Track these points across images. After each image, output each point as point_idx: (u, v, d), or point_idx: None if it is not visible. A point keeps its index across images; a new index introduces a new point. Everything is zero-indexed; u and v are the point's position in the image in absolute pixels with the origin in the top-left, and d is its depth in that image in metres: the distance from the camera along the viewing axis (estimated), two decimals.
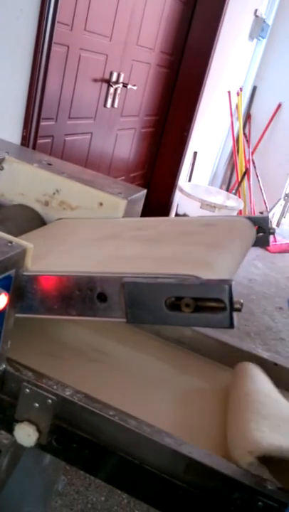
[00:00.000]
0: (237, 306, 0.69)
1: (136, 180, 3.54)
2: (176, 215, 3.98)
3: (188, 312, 0.72)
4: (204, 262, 0.80)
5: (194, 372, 1.06)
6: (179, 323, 0.75)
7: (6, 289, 0.76)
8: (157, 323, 0.78)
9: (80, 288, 0.79)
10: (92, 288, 0.79)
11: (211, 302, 0.71)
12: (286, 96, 4.86)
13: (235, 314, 0.70)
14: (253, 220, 1.08)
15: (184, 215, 3.86)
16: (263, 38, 4.53)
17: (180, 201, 3.90)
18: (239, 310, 0.69)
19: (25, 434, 0.81)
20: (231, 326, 0.70)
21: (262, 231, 1.10)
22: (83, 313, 0.81)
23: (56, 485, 1.45)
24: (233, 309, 0.69)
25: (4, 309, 0.76)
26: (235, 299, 0.69)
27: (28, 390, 0.81)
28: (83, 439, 0.81)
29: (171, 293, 0.73)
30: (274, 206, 4.92)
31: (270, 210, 4.87)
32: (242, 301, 0.69)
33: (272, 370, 1.02)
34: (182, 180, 4.02)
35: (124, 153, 3.26)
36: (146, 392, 0.96)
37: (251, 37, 4.31)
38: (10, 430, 0.83)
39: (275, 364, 1.03)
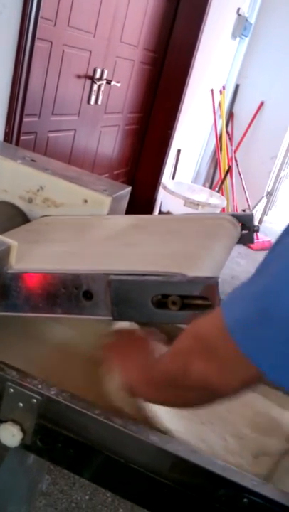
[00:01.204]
0: None
1: (119, 178, 3.52)
2: (160, 212, 3.98)
3: (174, 310, 0.72)
4: (190, 260, 0.80)
5: None
6: (165, 320, 0.75)
7: None
8: (144, 320, 0.78)
9: (66, 286, 0.79)
10: (78, 286, 0.78)
11: (198, 300, 0.71)
12: (268, 94, 4.88)
13: None
14: (238, 218, 1.08)
15: (168, 212, 3.86)
16: (246, 36, 4.55)
17: (164, 199, 3.90)
18: None
19: (10, 434, 0.80)
20: None
21: (246, 228, 1.10)
22: (69, 311, 0.80)
23: (40, 484, 1.44)
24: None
25: None
26: (221, 296, 0.69)
27: (12, 390, 0.80)
28: (68, 439, 0.80)
29: (157, 291, 0.73)
30: (257, 204, 4.95)
31: (253, 207, 4.90)
32: None
33: None
34: (166, 177, 4.02)
35: (108, 151, 3.24)
36: None
37: (234, 35, 4.32)
38: None
39: None
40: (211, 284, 0.69)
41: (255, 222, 1.12)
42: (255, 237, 1.11)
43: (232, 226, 1.04)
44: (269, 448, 0.86)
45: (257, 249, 4.50)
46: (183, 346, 0.66)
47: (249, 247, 4.47)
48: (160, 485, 0.75)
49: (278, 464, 0.84)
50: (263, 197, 5.08)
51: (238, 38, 4.47)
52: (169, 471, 0.75)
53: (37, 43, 1.91)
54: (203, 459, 0.73)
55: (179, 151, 4.11)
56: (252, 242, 1.10)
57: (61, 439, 0.80)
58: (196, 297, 0.70)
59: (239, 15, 4.20)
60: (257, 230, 1.10)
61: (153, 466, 0.76)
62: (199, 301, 0.70)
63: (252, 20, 4.57)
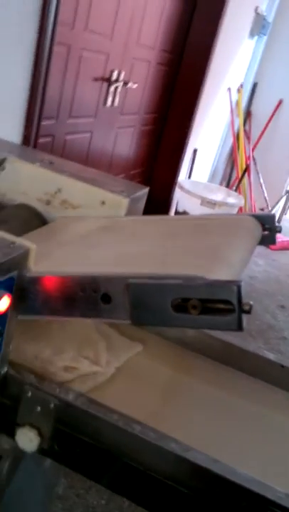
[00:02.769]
0: (246, 307, 0.67)
1: (136, 178, 3.52)
2: (176, 212, 3.96)
3: (195, 314, 0.70)
4: (211, 262, 0.79)
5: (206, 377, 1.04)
6: (185, 325, 0.74)
7: (9, 290, 0.74)
8: (163, 325, 0.76)
9: (84, 289, 0.77)
10: (96, 289, 0.77)
11: (219, 304, 0.69)
12: (287, 93, 4.84)
13: (244, 316, 0.68)
14: (259, 218, 1.06)
15: (184, 212, 3.84)
16: (264, 35, 4.51)
17: (180, 198, 3.87)
18: (248, 312, 0.67)
19: (27, 439, 0.79)
20: (240, 328, 0.68)
21: (267, 229, 1.08)
22: (87, 315, 0.79)
23: (56, 488, 1.44)
24: (241, 311, 0.67)
25: (6, 311, 0.74)
26: (244, 300, 0.67)
27: (30, 394, 0.80)
28: (86, 444, 0.79)
29: (177, 294, 0.71)
30: (277, 203, 4.89)
31: (273, 207, 4.85)
32: (251, 302, 0.67)
33: (278, 372, 1.00)
34: (182, 177, 4.00)
35: (124, 151, 3.24)
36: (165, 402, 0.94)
37: (252, 34, 4.29)
38: (11, 435, 0.82)
39: (282, 366, 1.01)
40: (233, 288, 0.67)
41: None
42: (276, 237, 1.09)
43: (253, 227, 1.02)
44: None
45: (276, 249, 4.45)
46: None
47: (268, 247, 4.42)
48: (179, 494, 0.74)
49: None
50: (282, 196, 5.03)
51: (255, 37, 4.43)
52: (188, 480, 0.73)
53: (55, 47, 1.91)
54: (224, 468, 0.71)
55: (195, 151, 4.08)
56: (274, 243, 1.08)
57: (79, 444, 0.79)
58: (217, 301, 0.69)
59: (257, 14, 4.17)
60: (279, 231, 1.08)
61: (172, 475, 0.74)
62: (221, 305, 0.69)
63: (270, 19, 4.52)
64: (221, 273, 0.73)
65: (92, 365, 0.93)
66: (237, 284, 0.67)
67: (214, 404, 0.97)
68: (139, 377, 0.99)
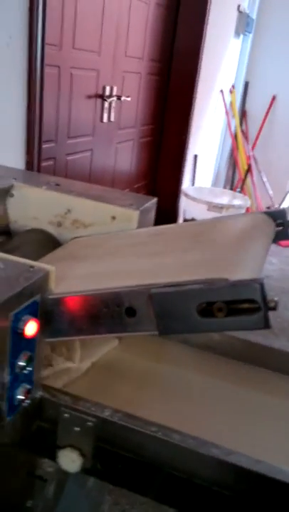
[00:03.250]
0: (272, 304, 0.67)
1: (140, 191, 3.53)
2: (184, 220, 3.96)
3: (221, 317, 0.70)
4: (231, 263, 0.79)
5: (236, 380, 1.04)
6: (213, 329, 0.74)
7: (34, 314, 0.75)
8: (190, 331, 0.76)
9: (107, 305, 0.78)
10: (120, 303, 0.77)
11: (244, 304, 0.69)
12: (280, 88, 4.84)
13: (270, 314, 0.68)
14: (271, 215, 1.06)
15: (192, 219, 3.84)
16: (249, 32, 4.54)
17: (186, 206, 3.88)
18: (274, 309, 0.67)
19: (70, 460, 0.80)
20: (267, 326, 0.69)
21: (280, 225, 1.08)
22: (113, 330, 0.79)
23: (102, 506, 1.43)
24: (267, 308, 0.67)
25: (35, 336, 0.75)
26: (268, 297, 0.67)
27: (67, 415, 0.80)
28: (128, 459, 0.79)
29: (201, 299, 0.71)
30: (283, 200, 4.88)
31: (280, 204, 4.84)
32: (276, 298, 0.67)
33: None
34: (186, 184, 4.01)
35: (126, 166, 3.26)
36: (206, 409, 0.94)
37: (237, 33, 4.31)
38: (53, 457, 0.82)
39: None
40: (256, 286, 0.67)
41: None
42: None
43: (266, 224, 1.02)
44: None
45: (286, 246, 4.43)
46: None
47: (278, 245, 4.40)
48: (225, 498, 0.74)
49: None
50: (287, 192, 5.02)
51: (241, 35, 4.45)
52: (233, 484, 0.73)
53: (45, 70, 1.93)
54: (269, 468, 0.70)
55: (195, 157, 4.10)
56: (288, 238, 1.08)
57: (121, 459, 0.79)
58: (242, 301, 0.69)
59: (240, 12, 4.19)
60: None
61: (216, 480, 0.74)
62: (246, 305, 0.69)
63: (253, 16, 4.55)
64: (241, 273, 0.73)
65: (65, 361, 0.97)
66: (260, 282, 0.68)
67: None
68: (114, 370, 1.02)
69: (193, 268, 0.82)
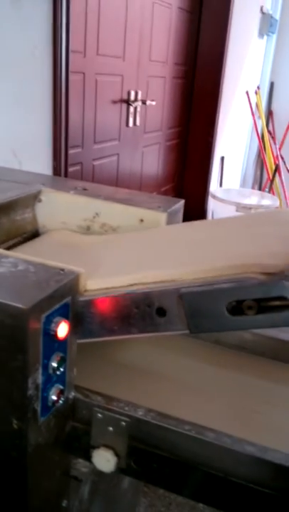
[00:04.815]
0: None
1: (168, 194, 3.53)
2: None
3: (252, 314, 0.70)
4: (261, 260, 0.78)
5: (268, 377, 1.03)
6: (243, 327, 0.73)
7: (65, 316, 0.76)
8: (221, 330, 0.76)
9: (138, 305, 0.78)
10: (150, 304, 0.78)
11: (275, 301, 0.69)
12: None
13: None
14: None
15: None
16: (273, 33, 4.51)
17: (214, 208, 3.87)
18: None
19: (104, 460, 0.80)
20: None
21: None
22: (144, 330, 0.80)
23: (137, 508, 1.43)
24: None
25: (66, 337, 0.76)
26: None
27: (100, 415, 0.81)
28: (162, 458, 0.79)
29: (231, 297, 0.71)
30: None
31: None
32: None
33: None
34: (213, 186, 4.00)
35: (153, 169, 3.27)
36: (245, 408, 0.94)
37: (261, 34, 4.29)
38: (87, 458, 0.83)
39: None
40: (286, 284, 0.67)
41: None
42: None
43: None
44: None
45: None
46: None
47: None
48: (264, 496, 0.73)
49: None
50: None
51: (265, 36, 4.43)
52: (270, 481, 0.72)
53: (70, 77, 1.96)
54: None
55: (222, 158, 4.08)
56: None
57: (155, 459, 0.80)
58: (273, 298, 0.68)
59: (263, 13, 4.17)
60: None
61: (254, 478, 0.73)
62: (277, 302, 0.68)
63: (277, 17, 4.52)
64: (272, 269, 0.73)
65: None
66: None
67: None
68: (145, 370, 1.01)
69: (223, 264, 0.82)
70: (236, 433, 0.76)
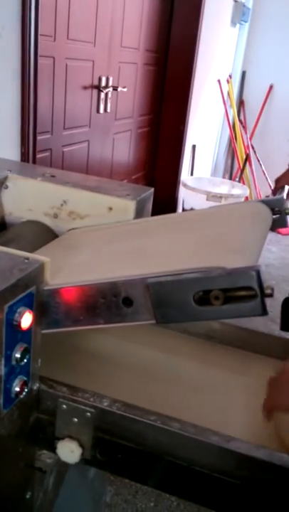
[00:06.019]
0: (268, 291, 0.67)
1: (138, 182, 3.52)
2: (183, 210, 3.95)
3: (218, 305, 0.70)
4: (227, 251, 0.78)
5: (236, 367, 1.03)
6: (210, 317, 0.73)
7: (29, 306, 0.74)
8: (188, 320, 0.76)
9: (104, 295, 0.77)
10: (116, 294, 0.77)
11: (241, 291, 0.68)
12: (276, 77, 4.82)
13: (266, 300, 0.67)
14: (268, 203, 1.06)
15: (191, 209, 3.83)
16: (245, 22, 4.50)
17: (185, 196, 3.87)
18: (270, 295, 0.67)
19: (69, 451, 0.79)
20: (264, 312, 0.68)
21: (277, 213, 1.07)
22: (111, 321, 0.79)
23: (104, 497, 1.44)
24: (264, 295, 0.67)
25: (30, 327, 0.74)
26: (264, 284, 0.67)
27: (65, 406, 0.80)
28: (127, 448, 0.79)
29: (198, 287, 0.71)
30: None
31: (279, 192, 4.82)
32: (274, 282, 0.66)
33: None
34: (184, 175, 4.00)
35: (124, 156, 3.24)
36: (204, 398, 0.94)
37: (233, 22, 4.28)
38: (52, 449, 0.82)
39: None
40: (252, 273, 0.67)
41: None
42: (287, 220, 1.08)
43: (263, 212, 1.01)
44: None
45: (285, 234, 4.42)
46: None
47: (278, 233, 4.40)
48: (228, 485, 0.73)
49: None
50: None
51: (238, 25, 4.42)
52: (234, 470, 0.73)
53: (40, 61, 1.92)
54: (268, 454, 0.70)
55: (194, 147, 4.08)
56: (285, 225, 1.07)
57: (120, 449, 0.79)
58: (239, 289, 0.68)
59: (236, 1, 4.16)
60: None
61: (218, 467, 0.74)
62: (243, 293, 0.68)
63: (249, 5, 4.52)
64: (238, 261, 0.73)
65: None
66: (256, 270, 0.67)
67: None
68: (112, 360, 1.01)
69: (189, 257, 0.82)
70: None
